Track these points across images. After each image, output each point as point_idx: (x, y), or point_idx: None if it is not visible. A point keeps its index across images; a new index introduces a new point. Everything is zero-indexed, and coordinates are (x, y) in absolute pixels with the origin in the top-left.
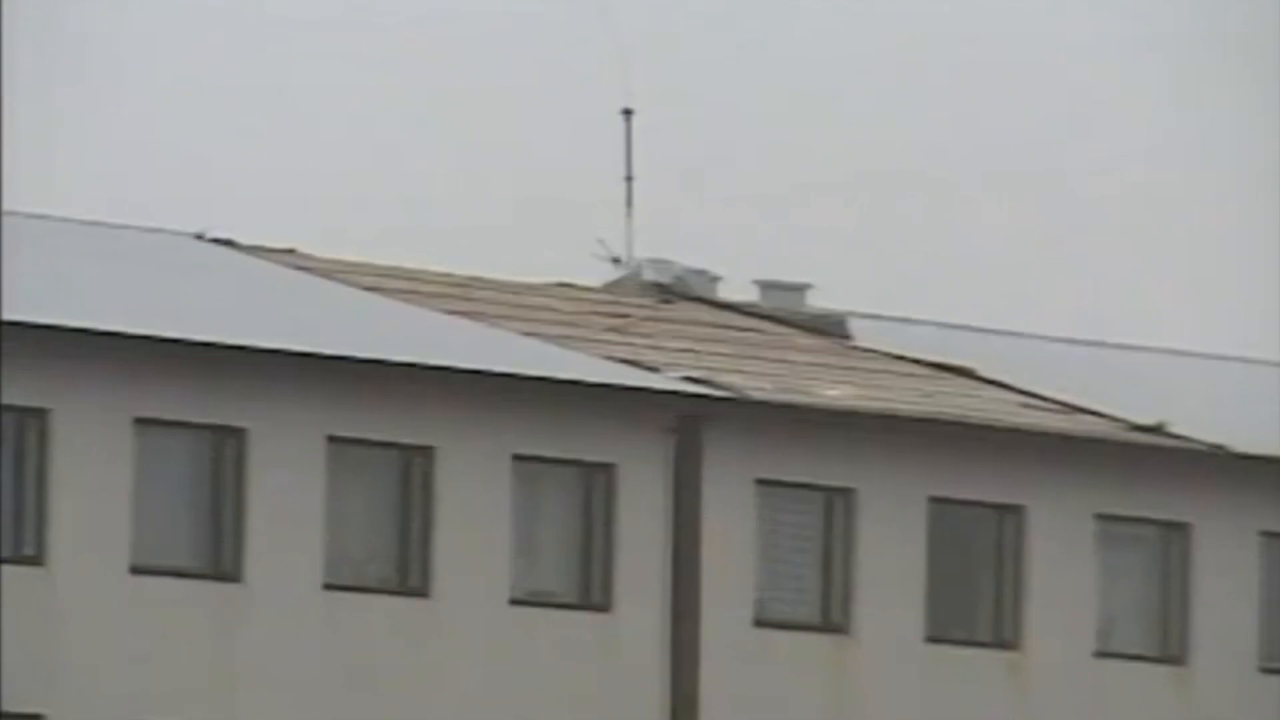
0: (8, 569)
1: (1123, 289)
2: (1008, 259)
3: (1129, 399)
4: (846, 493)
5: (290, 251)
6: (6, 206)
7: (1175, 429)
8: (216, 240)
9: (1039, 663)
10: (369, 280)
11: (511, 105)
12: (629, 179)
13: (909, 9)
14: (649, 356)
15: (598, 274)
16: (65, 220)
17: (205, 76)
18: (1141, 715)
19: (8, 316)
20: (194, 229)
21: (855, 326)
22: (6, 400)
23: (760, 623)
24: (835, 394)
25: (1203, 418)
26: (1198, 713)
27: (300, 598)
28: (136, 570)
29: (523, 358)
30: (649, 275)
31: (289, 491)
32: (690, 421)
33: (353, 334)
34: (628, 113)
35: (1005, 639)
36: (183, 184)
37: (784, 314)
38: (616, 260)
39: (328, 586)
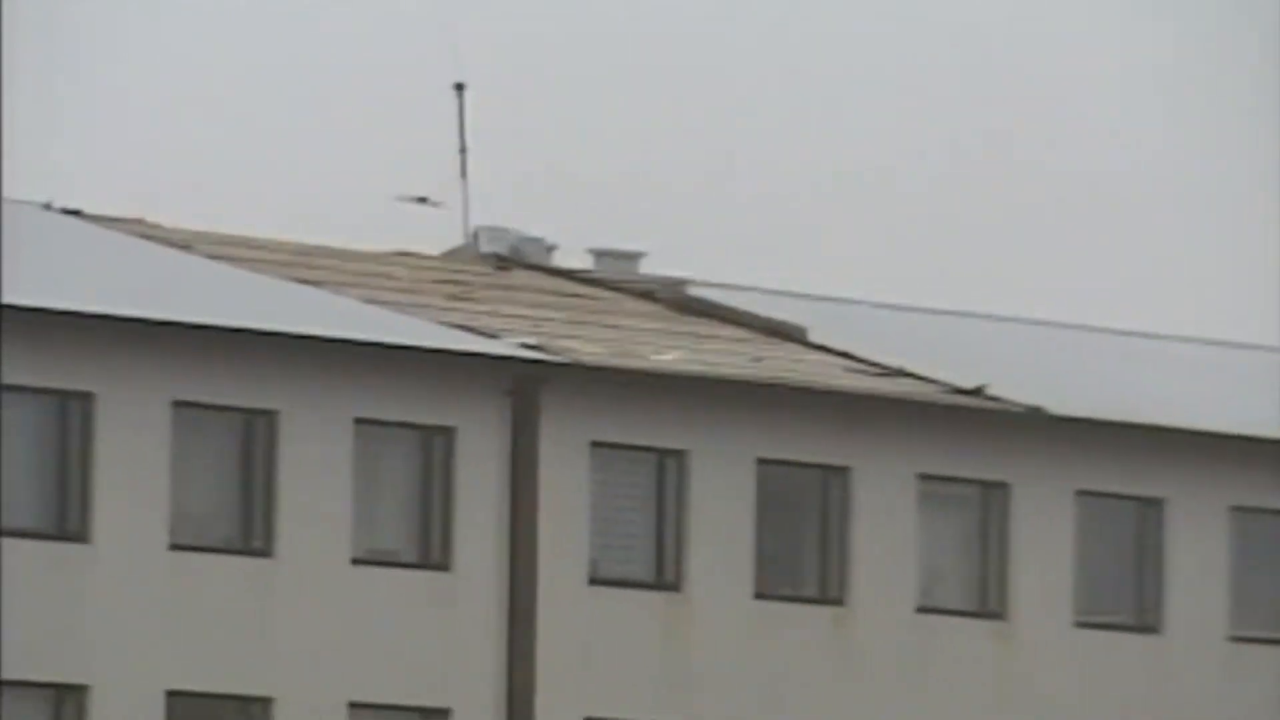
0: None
1: (945, 255)
2: (837, 224)
3: (951, 363)
4: (678, 454)
5: (138, 221)
6: None
7: (994, 392)
8: (65, 210)
9: (863, 618)
10: (214, 249)
11: (352, 79)
12: (463, 150)
13: None
14: (486, 322)
15: (437, 244)
16: None
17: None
18: (962, 668)
19: None
20: (41, 199)
21: (690, 290)
22: None
23: (595, 581)
24: (667, 358)
25: (1022, 381)
26: (1017, 666)
27: (146, 558)
28: None
29: (363, 324)
30: (486, 244)
31: (135, 454)
32: (527, 385)
33: (198, 300)
34: (460, 87)
35: (831, 595)
36: (30, 154)
37: (618, 281)
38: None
39: (173, 547)
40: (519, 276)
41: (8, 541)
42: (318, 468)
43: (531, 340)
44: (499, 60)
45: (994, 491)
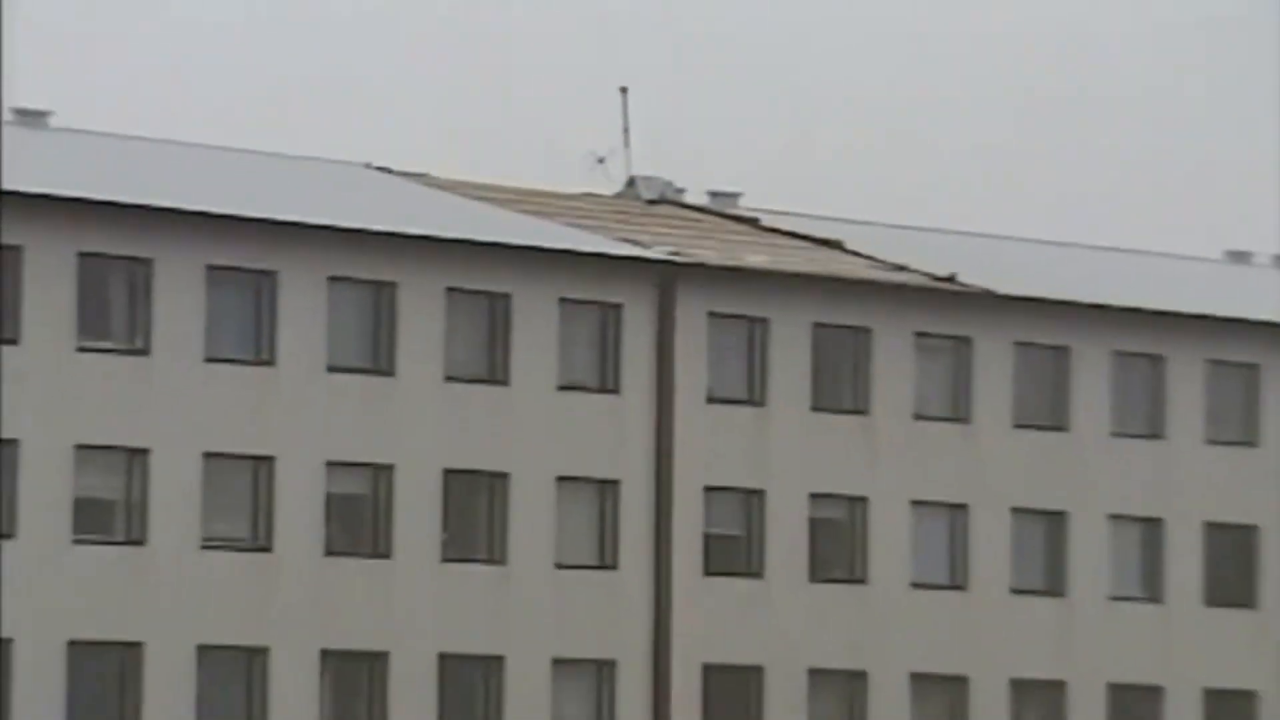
0: None
1: (930, 179)
2: (871, 165)
3: (933, 260)
4: (763, 321)
5: (425, 175)
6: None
7: (961, 279)
8: (375, 167)
9: (882, 423)
10: (473, 192)
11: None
12: (625, 130)
13: None
14: (641, 237)
15: (610, 188)
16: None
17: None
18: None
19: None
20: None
21: (766, 220)
22: None
23: (711, 400)
24: (755, 260)
25: (980, 272)
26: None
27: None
28: None
29: (568, 238)
30: (641, 188)
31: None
32: (667, 276)
33: (471, 225)
34: (624, 90)
35: (860, 406)
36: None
37: (723, 211)
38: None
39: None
40: (662, 209)
41: None
42: (547, 334)
43: (670, 249)
44: (654, 58)
45: (961, 344)
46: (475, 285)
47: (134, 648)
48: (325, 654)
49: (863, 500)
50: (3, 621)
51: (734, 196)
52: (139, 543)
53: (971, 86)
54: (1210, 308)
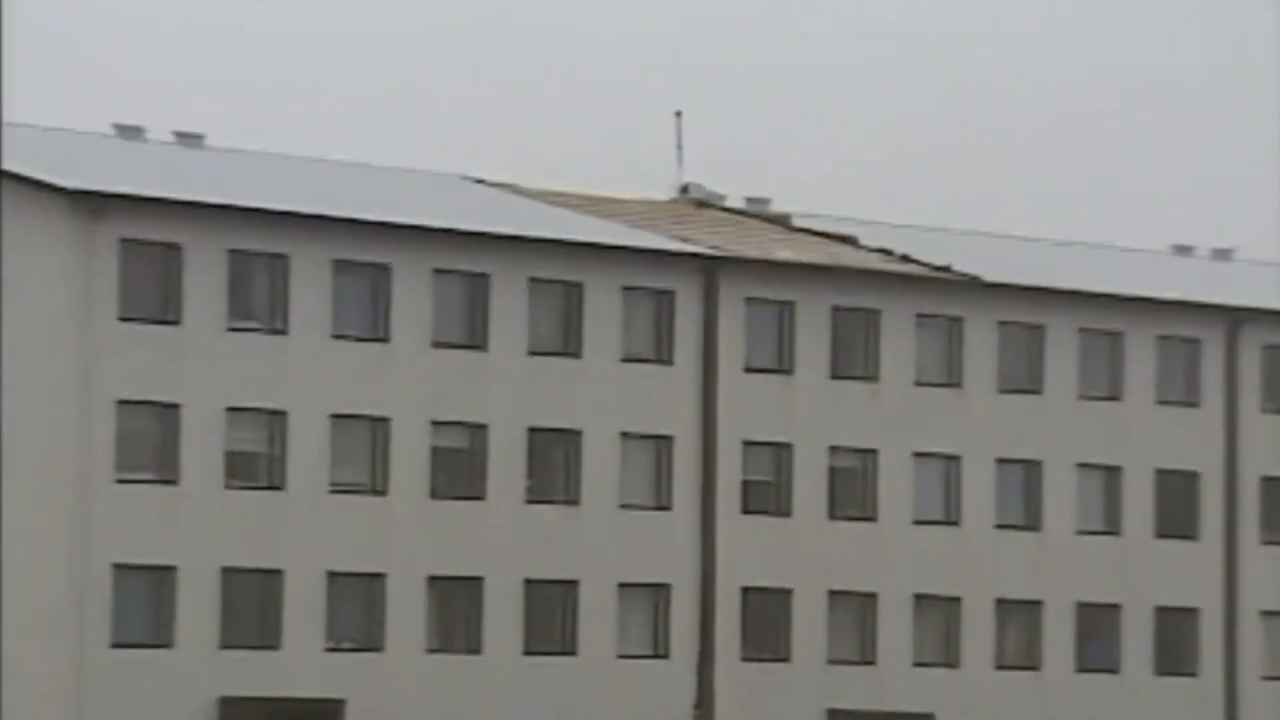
0: None
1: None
2: (884, 176)
3: (933, 252)
4: (791, 304)
5: (513, 185)
6: (362, 158)
7: (957, 268)
8: (466, 178)
9: (891, 389)
10: (550, 199)
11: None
12: (679, 146)
13: None
14: (691, 235)
15: (665, 193)
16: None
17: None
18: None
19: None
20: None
21: (794, 220)
22: None
23: (747, 369)
24: (784, 254)
25: (971, 262)
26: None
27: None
28: None
29: (630, 237)
30: (691, 193)
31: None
32: (711, 267)
33: (538, 225)
34: (678, 113)
35: (871, 372)
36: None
37: (757, 213)
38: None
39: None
40: (708, 212)
41: None
42: (612, 315)
43: (714, 245)
44: (702, 84)
45: (955, 323)
46: (553, 276)
47: (275, 574)
48: (431, 579)
49: (873, 452)
50: (168, 551)
51: (766, 201)
52: (279, 488)
53: (965, 108)
54: (1160, 292)
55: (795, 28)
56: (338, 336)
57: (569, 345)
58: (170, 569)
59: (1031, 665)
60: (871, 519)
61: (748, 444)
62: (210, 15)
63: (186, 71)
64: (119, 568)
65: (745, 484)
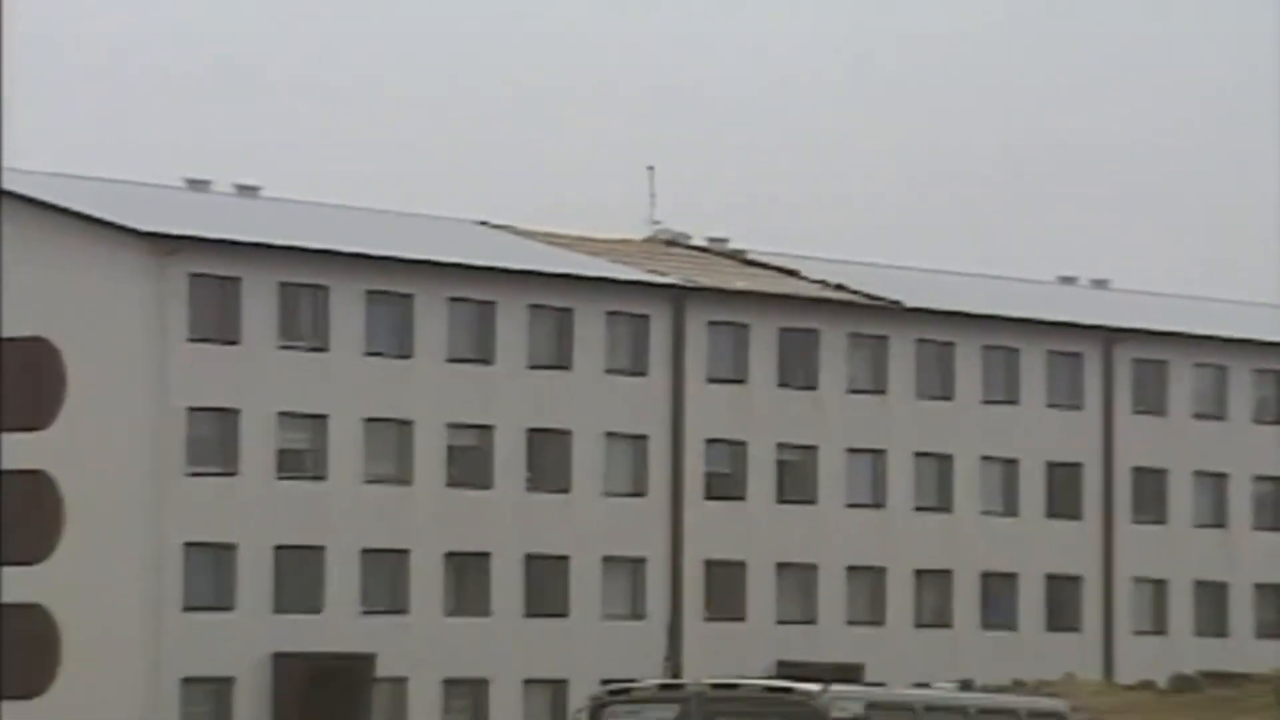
0: None
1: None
2: (838, 216)
3: (868, 284)
4: (745, 326)
5: (526, 229)
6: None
7: (891, 298)
8: (481, 223)
9: (831, 400)
10: (543, 238)
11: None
12: (652, 196)
13: None
14: (663, 268)
15: (641, 233)
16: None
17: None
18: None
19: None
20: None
21: (749, 255)
22: None
23: (709, 380)
24: (740, 285)
25: (906, 293)
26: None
27: None
28: None
29: (609, 270)
30: (661, 234)
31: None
32: (679, 296)
33: (537, 261)
34: (650, 168)
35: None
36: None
37: (719, 250)
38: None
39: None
40: (676, 249)
41: None
42: (597, 336)
43: (681, 277)
44: (671, 138)
45: (880, 340)
46: (548, 303)
47: (318, 550)
48: (448, 555)
49: (814, 448)
50: (230, 532)
51: (725, 240)
52: (321, 479)
53: (893, 155)
54: (1048, 315)
55: (754, 92)
56: (370, 354)
57: (562, 360)
58: (231, 546)
59: (944, 624)
60: (812, 502)
61: (709, 441)
62: (256, 83)
63: (245, 133)
64: (189, 545)
65: (708, 475)
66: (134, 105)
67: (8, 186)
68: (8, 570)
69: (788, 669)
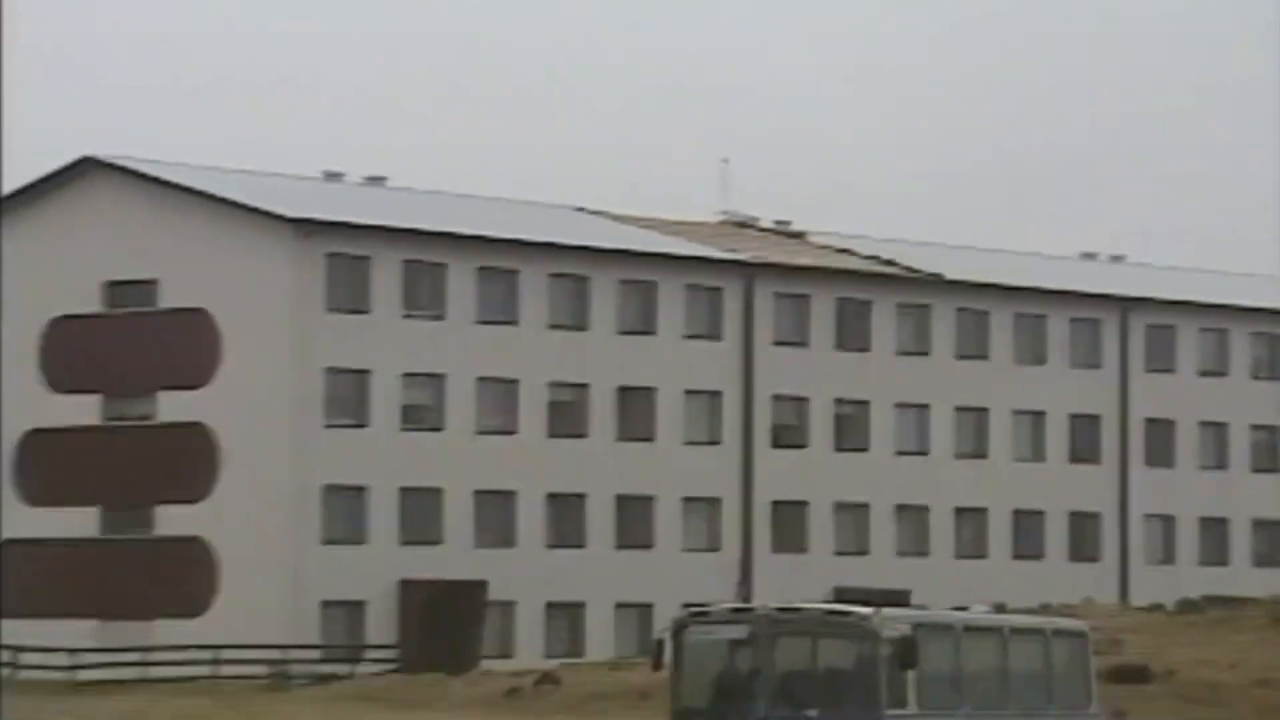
0: None
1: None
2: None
3: (910, 258)
4: (806, 297)
5: (581, 208)
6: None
7: (932, 270)
8: (582, 209)
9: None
10: (635, 222)
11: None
12: (725, 184)
13: None
14: (733, 246)
15: (713, 216)
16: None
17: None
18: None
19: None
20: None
21: (810, 237)
22: None
23: (776, 342)
24: (801, 261)
25: (952, 268)
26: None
27: None
28: None
29: (687, 248)
30: (733, 218)
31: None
32: (748, 271)
33: (613, 238)
34: (725, 160)
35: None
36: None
37: (779, 230)
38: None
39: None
40: (746, 230)
41: None
42: (678, 306)
43: (750, 256)
44: (742, 133)
45: (923, 309)
46: (635, 277)
47: (437, 491)
48: (549, 496)
49: (866, 403)
50: (360, 475)
51: (788, 222)
52: (439, 429)
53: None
54: (1070, 286)
55: (815, 90)
56: (481, 322)
57: (647, 327)
58: (363, 488)
59: (980, 555)
60: (865, 450)
61: (775, 397)
62: (385, 85)
63: (375, 130)
64: (327, 487)
65: (774, 426)
66: (274, 104)
67: (172, 179)
68: (174, 509)
69: (844, 594)
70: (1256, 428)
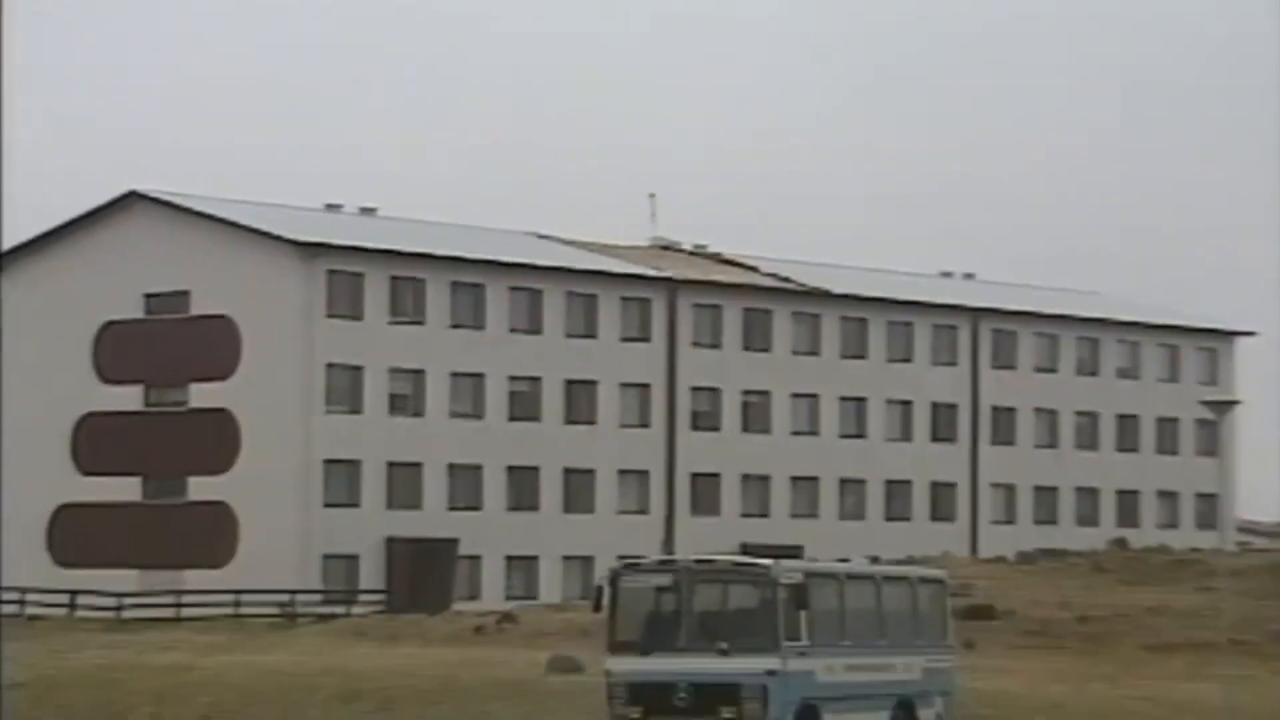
0: None
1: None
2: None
3: (819, 279)
4: (723, 307)
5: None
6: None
7: (836, 290)
8: (535, 233)
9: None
10: (580, 244)
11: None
12: (653, 214)
13: None
14: (657, 264)
15: (642, 240)
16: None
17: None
18: None
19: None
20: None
21: (724, 255)
22: None
23: (693, 343)
24: (715, 277)
25: (846, 285)
26: None
27: None
28: None
29: (614, 266)
30: (658, 242)
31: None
32: (670, 287)
33: (554, 258)
34: (652, 195)
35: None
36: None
37: (698, 253)
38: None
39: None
40: (669, 252)
41: None
42: (615, 313)
43: (674, 273)
44: (671, 170)
45: (814, 317)
46: (581, 290)
47: (417, 465)
48: (509, 469)
49: (768, 393)
50: (355, 452)
51: (704, 245)
52: (420, 415)
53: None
54: (931, 299)
55: (727, 138)
56: (453, 326)
57: (590, 331)
58: (357, 462)
59: (859, 517)
60: (767, 432)
61: (694, 389)
62: (378, 127)
63: (363, 168)
64: (328, 461)
65: (693, 412)
66: (283, 146)
67: (207, 210)
68: (203, 479)
69: (749, 549)
70: (1080, 414)
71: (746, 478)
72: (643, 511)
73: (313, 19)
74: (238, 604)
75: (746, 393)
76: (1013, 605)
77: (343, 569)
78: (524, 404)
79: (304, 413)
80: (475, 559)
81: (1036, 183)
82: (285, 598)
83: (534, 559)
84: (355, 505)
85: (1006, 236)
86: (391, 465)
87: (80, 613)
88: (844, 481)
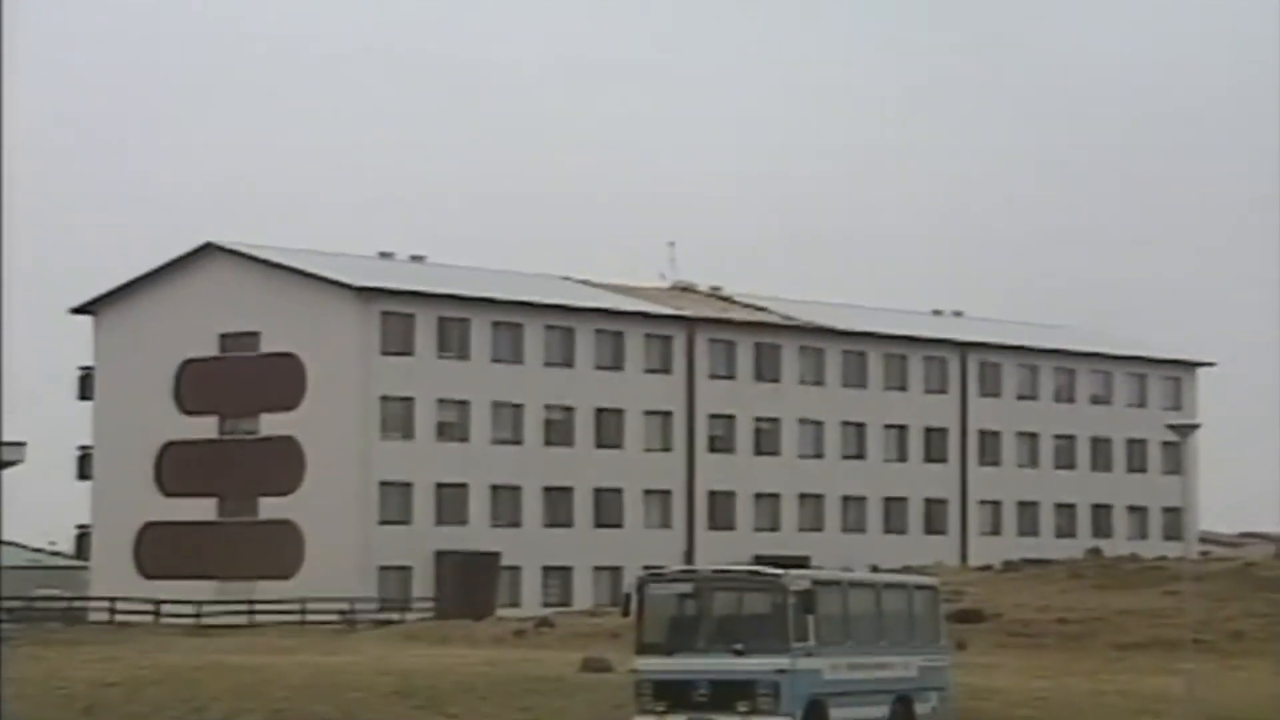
0: None
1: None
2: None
3: (807, 313)
4: (734, 343)
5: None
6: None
7: (820, 324)
8: (569, 278)
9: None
10: (605, 287)
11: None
12: (673, 260)
13: None
14: (678, 305)
15: (660, 282)
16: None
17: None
18: None
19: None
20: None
21: (737, 298)
22: None
23: (712, 375)
24: (731, 315)
25: (831, 319)
26: None
27: None
28: None
29: (637, 307)
30: (676, 284)
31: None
32: (690, 325)
33: (574, 298)
34: (671, 243)
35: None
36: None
37: (714, 294)
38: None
39: None
40: (688, 294)
41: None
42: (640, 349)
43: (692, 312)
44: (690, 223)
45: (818, 351)
46: (609, 328)
47: (463, 486)
48: (545, 489)
49: (777, 419)
50: (408, 474)
51: (719, 287)
52: (466, 440)
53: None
54: (924, 334)
55: (737, 189)
56: (495, 361)
57: (618, 364)
58: (409, 484)
59: (861, 530)
60: (777, 454)
61: (711, 416)
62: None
63: (415, 223)
64: (384, 483)
65: (710, 437)
66: (343, 201)
67: (274, 259)
68: (272, 499)
69: (761, 560)
70: (1058, 437)
71: (759, 496)
72: (666, 526)
73: (359, 89)
74: (304, 611)
75: (758, 419)
76: (999, 609)
77: (397, 579)
78: (558, 430)
79: (362, 440)
80: (516, 570)
81: (1020, 228)
82: (346, 605)
83: (568, 569)
84: (408, 522)
85: (991, 276)
86: (440, 486)
87: (164, 620)
88: (846, 499)
